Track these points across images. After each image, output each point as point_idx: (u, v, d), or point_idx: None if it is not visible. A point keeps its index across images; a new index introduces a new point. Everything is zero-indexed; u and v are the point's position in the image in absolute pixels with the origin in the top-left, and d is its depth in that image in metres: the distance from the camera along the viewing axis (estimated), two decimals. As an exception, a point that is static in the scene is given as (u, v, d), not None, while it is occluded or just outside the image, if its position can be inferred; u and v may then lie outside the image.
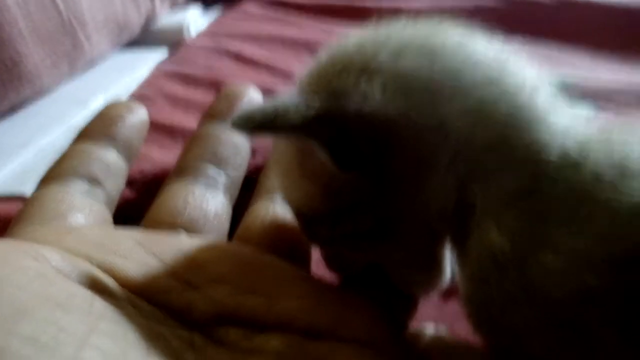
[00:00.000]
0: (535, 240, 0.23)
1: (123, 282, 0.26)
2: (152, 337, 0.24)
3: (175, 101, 0.56)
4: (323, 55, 0.28)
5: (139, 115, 0.40)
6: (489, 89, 0.25)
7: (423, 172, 0.26)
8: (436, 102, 0.25)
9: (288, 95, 0.27)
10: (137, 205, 0.41)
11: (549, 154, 0.24)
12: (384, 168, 0.26)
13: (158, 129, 0.51)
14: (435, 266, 0.30)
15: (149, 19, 0.69)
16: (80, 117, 0.54)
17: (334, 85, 0.26)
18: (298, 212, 0.29)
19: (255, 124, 0.25)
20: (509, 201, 0.24)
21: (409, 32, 0.27)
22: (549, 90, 0.26)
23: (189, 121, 0.52)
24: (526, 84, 0.26)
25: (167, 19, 0.73)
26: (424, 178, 0.26)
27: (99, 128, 0.37)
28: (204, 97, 0.57)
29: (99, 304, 0.23)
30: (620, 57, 0.65)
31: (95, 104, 0.56)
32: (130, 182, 0.42)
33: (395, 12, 0.80)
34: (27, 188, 0.38)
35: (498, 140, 0.25)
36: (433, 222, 0.27)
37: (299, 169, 0.28)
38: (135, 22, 0.67)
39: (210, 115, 0.42)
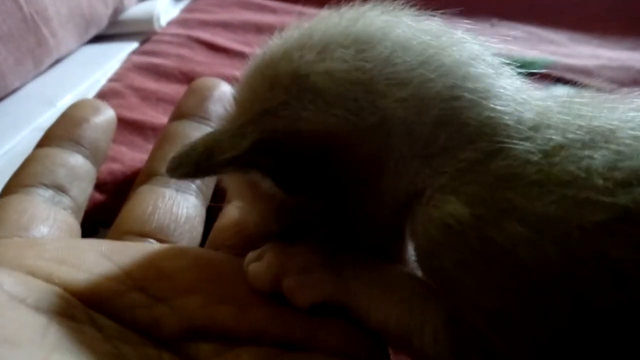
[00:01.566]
0: (497, 207, 0.23)
1: (86, 300, 0.25)
2: None
3: (145, 96, 0.55)
4: (251, 66, 0.27)
5: (106, 115, 0.38)
6: (425, 69, 0.24)
7: (373, 176, 0.25)
8: (372, 96, 0.24)
9: (220, 126, 0.26)
10: (108, 208, 0.40)
11: (504, 120, 0.24)
12: (332, 181, 0.25)
13: (128, 126, 0.49)
14: (397, 262, 0.29)
15: (117, 11, 0.67)
16: (48, 116, 0.52)
17: (265, 101, 0.25)
18: (256, 229, 0.29)
19: (192, 168, 0.24)
20: (468, 171, 0.24)
21: (332, 24, 0.26)
22: (490, 60, 0.26)
23: (159, 117, 0.51)
24: (463, 58, 0.25)
25: (136, 9, 0.70)
26: (375, 182, 0.25)
27: (64, 131, 0.36)
28: (175, 90, 0.55)
29: (53, 333, 0.22)
30: (601, 34, 0.64)
31: (64, 103, 0.54)
32: (100, 185, 0.41)
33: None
34: (-7, 195, 0.37)
35: (446, 117, 0.24)
36: (389, 221, 0.26)
37: (250, 195, 0.27)
38: (103, 15, 0.64)
39: (179, 112, 0.40)
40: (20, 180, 0.33)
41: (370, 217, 0.26)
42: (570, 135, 0.23)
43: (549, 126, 0.24)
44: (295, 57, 0.25)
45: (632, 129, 0.23)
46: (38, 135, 0.37)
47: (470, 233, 0.23)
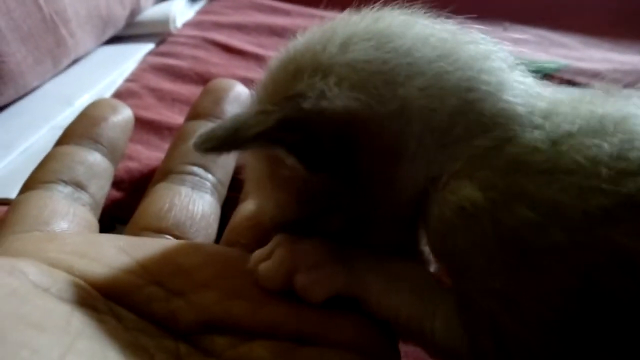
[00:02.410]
0: (510, 191, 0.24)
1: (106, 292, 0.26)
2: (134, 351, 0.23)
3: (161, 96, 0.55)
4: (274, 62, 0.28)
5: (123, 114, 0.39)
6: (443, 62, 0.25)
7: (392, 162, 0.26)
8: (393, 85, 0.25)
9: (245, 109, 0.26)
10: (125, 205, 0.41)
11: (517, 111, 0.25)
12: (353, 165, 0.26)
13: (145, 125, 0.50)
14: (413, 252, 0.29)
15: (134, 12, 0.68)
16: (66, 115, 0.53)
17: (290, 89, 0.26)
18: (272, 221, 0.29)
19: (218, 142, 0.25)
20: (483, 157, 0.25)
21: (353, 22, 0.27)
22: (504, 57, 0.27)
23: (175, 117, 0.52)
24: (479, 54, 0.26)
25: (152, 11, 0.71)
26: (393, 168, 0.26)
27: (83, 129, 0.37)
28: (190, 90, 0.56)
29: (77, 320, 0.23)
30: (613, 37, 0.65)
31: (81, 102, 0.55)
32: (118, 182, 0.42)
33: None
34: (13, 192, 0.38)
35: (463, 107, 0.25)
36: (405, 210, 0.27)
37: (270, 181, 0.28)
38: (120, 16, 0.65)
39: (195, 112, 0.41)
40: (40, 177, 0.34)
41: (388, 202, 0.27)
42: (579, 123, 0.24)
43: (558, 115, 0.25)
44: (318, 50, 0.26)
45: None
46: (56, 134, 0.38)
47: (483, 215, 0.24)
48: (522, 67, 0.28)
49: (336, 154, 0.25)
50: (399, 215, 0.27)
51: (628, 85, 0.56)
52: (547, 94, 0.27)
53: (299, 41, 0.28)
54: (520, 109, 0.25)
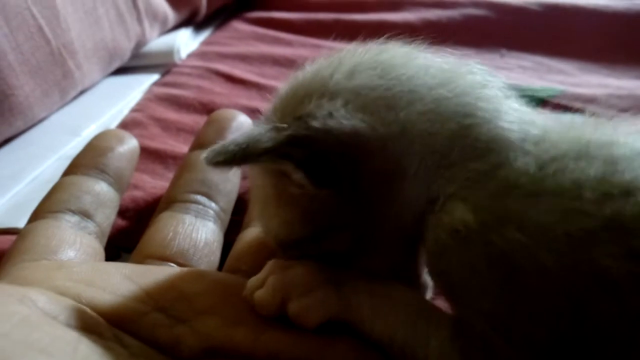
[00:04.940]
0: (499, 213, 0.25)
1: (112, 319, 0.26)
2: None
3: (166, 126, 0.57)
4: (283, 88, 0.29)
5: (129, 145, 0.40)
6: (442, 90, 0.27)
7: (393, 182, 0.27)
8: (395, 109, 0.26)
9: (256, 127, 0.28)
10: (130, 234, 0.41)
11: (511, 137, 0.26)
12: (357, 183, 0.27)
13: (150, 155, 0.51)
14: (412, 274, 0.30)
15: (139, 44, 0.69)
16: (73, 145, 0.54)
17: (299, 111, 0.27)
18: (277, 240, 0.30)
19: (229, 156, 0.26)
20: (476, 181, 0.26)
21: (359, 53, 0.29)
22: (500, 86, 0.28)
23: (180, 146, 0.53)
24: (476, 83, 0.28)
25: (157, 42, 0.73)
26: (394, 188, 0.27)
27: (89, 159, 0.38)
28: (194, 120, 0.57)
29: (84, 347, 0.24)
30: (610, 62, 0.65)
31: (88, 132, 0.56)
32: (123, 211, 0.43)
33: (382, 26, 0.81)
34: (22, 221, 0.39)
35: (460, 132, 0.26)
36: (405, 231, 0.28)
37: (277, 199, 0.29)
38: (126, 48, 0.67)
39: (199, 142, 0.42)
40: (48, 207, 0.35)
41: (389, 222, 0.28)
42: (564, 148, 0.25)
43: (547, 141, 0.26)
44: (326, 76, 0.28)
45: (626, 145, 0.25)
46: (63, 164, 0.39)
47: (474, 237, 0.25)
48: (517, 95, 0.29)
49: (342, 170, 0.26)
50: (399, 236, 0.28)
51: (624, 110, 0.57)
52: (539, 121, 0.28)
53: (308, 69, 0.29)
54: (514, 136, 0.26)
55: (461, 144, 0.26)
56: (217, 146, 0.26)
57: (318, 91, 0.27)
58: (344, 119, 0.26)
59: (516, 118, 0.27)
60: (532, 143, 0.26)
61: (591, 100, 0.58)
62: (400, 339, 0.27)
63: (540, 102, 0.58)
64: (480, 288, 0.25)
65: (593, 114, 0.29)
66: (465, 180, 0.26)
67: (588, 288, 0.23)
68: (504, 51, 0.68)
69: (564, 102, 0.57)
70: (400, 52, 0.29)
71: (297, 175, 0.26)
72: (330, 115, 0.26)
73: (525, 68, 0.65)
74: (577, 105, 0.57)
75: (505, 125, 0.27)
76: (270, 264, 0.29)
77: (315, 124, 0.26)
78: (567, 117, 0.29)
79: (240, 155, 0.26)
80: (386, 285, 0.28)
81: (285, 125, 0.26)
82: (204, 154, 0.26)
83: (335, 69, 0.28)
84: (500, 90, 0.28)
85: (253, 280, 0.29)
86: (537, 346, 0.24)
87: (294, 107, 0.27)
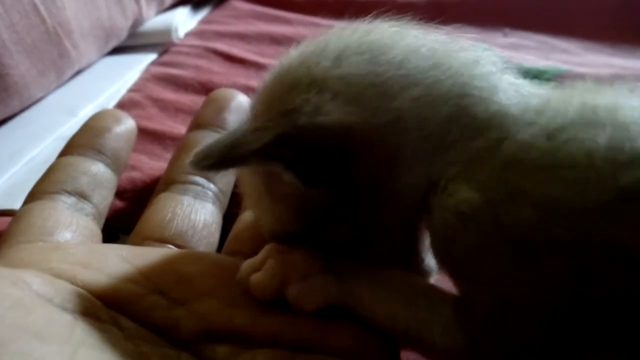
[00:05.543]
0: (508, 190, 0.24)
1: (108, 301, 0.26)
2: None
3: (164, 106, 0.56)
4: (269, 76, 0.28)
5: (126, 125, 0.39)
6: (435, 71, 0.26)
7: (391, 171, 0.26)
8: (387, 97, 0.25)
9: (242, 125, 0.27)
10: (128, 215, 0.41)
11: (511, 111, 0.26)
12: (352, 177, 0.26)
13: (148, 136, 0.50)
14: (415, 260, 0.30)
15: (136, 23, 0.68)
16: (70, 126, 0.53)
17: (285, 104, 0.26)
18: (273, 235, 0.29)
19: (216, 160, 0.25)
20: (479, 159, 0.25)
21: (346, 35, 0.27)
22: (494, 60, 0.28)
23: (178, 127, 0.52)
24: (470, 60, 0.27)
25: (154, 21, 0.72)
26: (393, 177, 0.26)
27: (86, 140, 0.37)
28: (193, 100, 0.57)
29: (80, 330, 0.23)
30: (614, 42, 0.65)
31: (85, 112, 0.55)
32: (121, 192, 0.42)
33: (383, 4, 0.79)
34: (18, 202, 0.38)
35: (457, 113, 0.26)
36: (407, 217, 0.27)
37: (268, 195, 0.28)
38: (122, 27, 0.66)
39: (197, 122, 0.41)
40: (44, 188, 0.34)
41: (390, 211, 0.27)
42: (571, 116, 0.24)
43: (551, 110, 0.25)
44: (312, 64, 0.26)
45: (634, 109, 0.24)
46: (60, 144, 0.38)
47: (482, 217, 0.24)
48: (513, 70, 0.28)
49: (334, 167, 0.25)
50: (401, 223, 0.28)
51: (629, 90, 0.57)
52: (539, 92, 0.27)
53: (293, 54, 0.28)
54: (514, 109, 0.26)
55: (459, 124, 0.26)
56: (202, 148, 0.25)
57: (304, 81, 0.26)
58: (333, 114, 0.25)
59: (514, 92, 0.26)
60: (535, 113, 0.25)
61: (595, 80, 0.57)
62: (402, 322, 0.26)
63: (545, 82, 0.57)
64: (491, 268, 0.24)
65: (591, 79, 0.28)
66: (468, 160, 0.25)
67: (603, 263, 0.22)
68: (507, 30, 0.67)
69: (568, 82, 0.57)
70: (388, 33, 0.28)
71: (288, 176, 0.25)
72: (318, 110, 0.25)
73: (528, 47, 0.64)
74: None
75: (504, 99, 0.26)
76: (267, 248, 0.29)
77: (303, 120, 0.25)
78: (566, 85, 0.28)
79: (227, 159, 0.25)
80: (387, 270, 0.28)
81: (271, 124, 0.25)
82: (189, 158, 0.25)
83: (321, 54, 0.27)
84: (494, 64, 0.27)
85: (248, 263, 0.28)
86: (547, 324, 0.23)
87: (281, 99, 0.26)
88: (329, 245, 0.28)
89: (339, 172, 0.25)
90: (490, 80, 0.26)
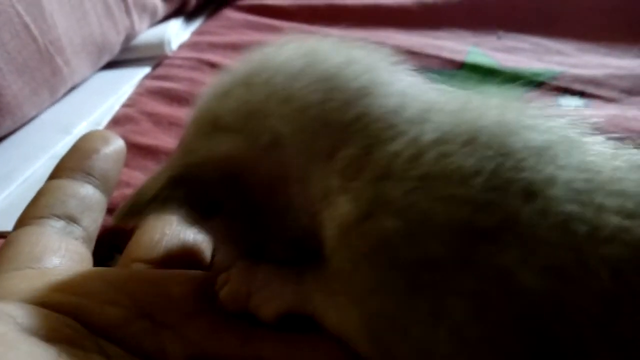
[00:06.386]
0: (376, 201, 0.23)
1: (95, 328, 0.26)
2: None
3: (158, 120, 0.56)
4: (192, 114, 0.30)
5: (115, 145, 0.39)
6: (299, 82, 0.26)
7: (281, 187, 0.26)
8: (262, 119, 0.26)
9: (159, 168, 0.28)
10: (122, 234, 0.41)
11: (377, 115, 0.25)
12: (246, 201, 0.26)
13: (141, 151, 0.50)
14: None
15: (129, 37, 0.68)
16: (64, 144, 0.53)
17: (186, 146, 0.28)
18: (224, 261, 0.31)
19: (127, 211, 0.27)
20: (351, 168, 0.24)
21: (235, 70, 0.29)
22: (377, 60, 0.27)
23: (172, 142, 0.52)
24: (338, 62, 0.27)
25: (147, 35, 0.72)
26: (290, 193, 0.26)
27: (74, 162, 0.37)
28: (187, 113, 0.56)
29: None
30: (609, 42, 0.64)
31: (79, 130, 0.55)
32: (113, 209, 0.42)
33: (377, 10, 0.79)
34: (12, 224, 0.38)
35: (321, 120, 0.25)
36: (307, 232, 0.26)
37: (199, 226, 0.30)
38: (115, 42, 0.66)
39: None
40: (33, 212, 0.34)
41: (296, 226, 0.27)
42: (452, 131, 0.24)
43: (430, 121, 0.24)
44: (209, 105, 0.28)
45: (533, 138, 0.23)
46: (55, 163, 0.38)
47: (355, 229, 0.23)
48: (406, 67, 0.28)
49: (225, 196, 0.26)
50: (309, 235, 0.27)
51: (624, 89, 0.56)
52: (427, 97, 0.26)
53: (205, 95, 0.29)
54: (382, 113, 0.25)
55: (327, 132, 0.25)
56: (125, 202, 0.27)
57: (206, 119, 0.28)
58: (207, 147, 0.26)
59: (391, 93, 0.26)
60: (410, 122, 0.24)
61: (591, 80, 0.57)
62: (334, 327, 0.26)
63: (539, 84, 0.57)
64: (367, 285, 0.23)
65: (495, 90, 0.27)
66: (344, 168, 0.25)
67: (491, 289, 0.21)
68: (501, 33, 0.67)
69: (562, 84, 0.56)
70: (260, 56, 0.28)
71: (183, 213, 0.27)
72: (196, 147, 0.27)
73: (523, 50, 0.64)
74: (577, 86, 0.56)
75: (370, 103, 0.25)
76: (237, 263, 0.29)
77: (185, 160, 0.26)
78: (466, 95, 0.27)
79: (134, 208, 0.26)
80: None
81: (167, 168, 0.27)
82: (114, 214, 0.27)
83: (218, 91, 0.28)
84: (367, 65, 0.27)
85: (221, 277, 0.29)
86: (442, 355, 0.22)
87: (184, 142, 0.29)
88: (281, 262, 0.28)
89: (232, 197, 0.26)
90: (361, 81, 0.26)
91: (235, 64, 0.29)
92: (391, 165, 0.23)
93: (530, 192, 0.22)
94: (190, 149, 0.27)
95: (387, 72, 0.27)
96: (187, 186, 0.26)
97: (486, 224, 0.21)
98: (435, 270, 0.22)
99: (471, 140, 0.23)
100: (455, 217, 0.22)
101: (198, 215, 0.27)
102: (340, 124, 0.25)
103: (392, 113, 0.25)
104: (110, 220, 0.41)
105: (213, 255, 0.36)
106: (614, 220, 0.21)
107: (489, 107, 0.25)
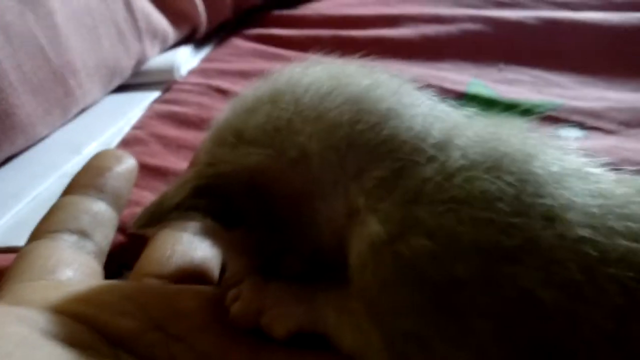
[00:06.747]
0: (406, 222, 0.24)
1: (109, 338, 0.27)
2: None
3: (167, 143, 0.57)
4: (208, 130, 0.31)
5: (127, 164, 0.40)
6: (328, 101, 0.27)
7: (307, 204, 0.27)
8: (290, 135, 0.27)
9: (179, 178, 0.29)
10: (131, 251, 0.41)
11: (405, 137, 0.26)
12: (270, 214, 0.27)
13: (150, 172, 0.51)
14: None
15: (140, 62, 0.70)
16: (74, 163, 0.54)
17: (209, 157, 0.28)
18: (238, 273, 0.31)
19: (148, 218, 0.27)
20: (381, 189, 0.25)
21: (258, 88, 0.30)
22: (400, 84, 0.28)
23: (181, 163, 0.53)
24: (365, 85, 0.28)
25: (157, 60, 0.73)
26: (314, 208, 0.27)
27: (87, 179, 0.38)
28: (195, 137, 0.58)
29: None
30: (608, 75, 0.66)
31: (89, 150, 0.56)
32: (123, 228, 0.43)
33: (380, 42, 0.81)
34: (23, 240, 0.39)
35: (351, 140, 0.26)
36: (334, 243, 0.27)
37: (213, 238, 0.31)
38: (126, 66, 0.67)
39: (198, 159, 0.42)
40: (47, 227, 0.35)
41: (319, 242, 0.27)
42: (476, 157, 0.25)
43: (456, 147, 0.25)
44: (231, 119, 0.29)
45: (556, 165, 0.25)
46: (64, 182, 0.39)
47: (385, 250, 0.24)
48: (427, 92, 0.29)
49: (250, 207, 0.27)
50: (332, 249, 0.27)
51: (623, 122, 0.57)
52: (450, 120, 0.27)
53: (226, 110, 0.30)
54: (410, 135, 0.26)
55: (356, 153, 0.26)
56: (143, 209, 0.27)
57: (226, 134, 0.28)
58: (235, 159, 0.27)
59: (416, 116, 0.27)
60: (434, 145, 0.26)
61: (590, 113, 0.58)
62: (359, 351, 0.26)
63: (540, 115, 0.58)
64: (396, 305, 0.24)
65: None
66: (372, 188, 0.26)
67: (513, 310, 0.22)
68: (501, 65, 0.69)
69: (562, 115, 0.58)
70: (285, 77, 0.29)
71: (207, 222, 0.27)
72: (222, 159, 0.27)
73: (523, 82, 0.66)
74: (576, 118, 0.57)
75: (401, 125, 0.26)
76: (247, 280, 0.30)
77: (212, 171, 0.27)
78: (487, 120, 0.28)
79: (156, 216, 0.27)
80: (348, 294, 0.27)
81: (191, 177, 0.27)
82: (133, 221, 0.27)
83: (240, 109, 0.29)
84: (392, 89, 0.28)
85: (231, 292, 0.30)
86: None
87: (206, 154, 0.29)
88: (294, 277, 0.28)
89: (256, 210, 0.27)
90: (386, 104, 0.27)
91: (257, 84, 0.30)
92: (421, 190, 0.24)
93: (550, 216, 0.23)
94: (215, 160, 0.28)
95: (411, 95, 0.28)
96: (211, 196, 0.26)
97: (509, 246, 0.22)
98: (462, 290, 0.23)
99: (494, 166, 0.24)
100: (481, 239, 0.23)
101: (220, 226, 0.27)
102: (368, 145, 0.26)
103: (419, 136, 0.26)
104: (120, 238, 0.43)
105: (222, 272, 0.36)
106: (623, 242, 0.23)
107: (510, 134, 0.26)
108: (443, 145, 0.26)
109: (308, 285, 0.28)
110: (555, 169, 0.25)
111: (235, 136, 0.28)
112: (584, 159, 0.26)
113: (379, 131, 0.26)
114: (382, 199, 0.25)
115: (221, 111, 0.31)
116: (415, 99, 0.28)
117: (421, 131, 0.26)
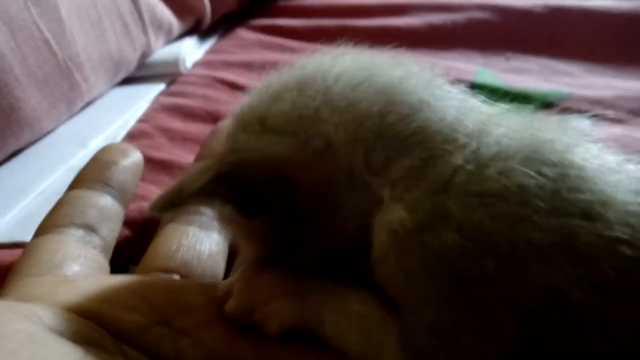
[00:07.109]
0: (436, 212, 0.23)
1: (116, 333, 0.27)
2: None
3: (172, 136, 0.57)
4: (232, 115, 0.30)
5: (133, 158, 0.40)
6: (358, 92, 0.27)
7: (330, 194, 0.26)
8: (316, 125, 0.26)
9: (193, 167, 0.29)
10: (137, 245, 0.41)
11: (437, 128, 0.25)
12: (291, 203, 0.27)
13: (156, 165, 0.51)
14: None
15: (145, 54, 0.70)
16: (80, 157, 0.54)
17: (231, 144, 0.28)
18: (253, 260, 0.30)
19: (167, 202, 0.26)
20: (409, 178, 0.25)
21: (282, 74, 0.29)
22: (430, 77, 0.28)
23: (186, 156, 0.53)
24: (396, 76, 0.27)
25: (162, 52, 0.73)
26: (337, 199, 0.26)
27: (94, 173, 0.38)
28: (200, 129, 0.58)
29: None
30: (616, 63, 0.65)
31: (95, 144, 0.56)
32: (130, 222, 0.43)
33: (387, 31, 0.80)
34: (30, 234, 0.39)
35: (380, 131, 0.26)
36: (355, 233, 0.27)
37: (230, 224, 0.30)
38: (131, 58, 0.67)
39: (204, 152, 0.42)
40: (53, 221, 0.35)
41: (340, 232, 0.27)
42: (512, 147, 0.24)
43: (490, 135, 0.25)
44: (256, 105, 0.28)
45: (594, 161, 0.24)
46: (71, 175, 0.39)
47: (411, 239, 0.23)
48: (457, 84, 0.29)
49: (271, 197, 0.27)
50: (352, 240, 0.27)
51: (631, 111, 0.57)
52: (481, 111, 0.27)
53: (247, 97, 0.30)
54: (442, 127, 0.26)
55: (385, 143, 0.26)
56: (161, 193, 0.27)
57: (250, 120, 0.28)
58: (259, 147, 0.26)
59: (448, 108, 0.27)
60: (467, 135, 0.25)
61: (598, 102, 0.57)
62: (355, 349, 0.26)
63: (548, 105, 0.58)
64: (421, 295, 0.23)
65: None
66: (399, 178, 0.25)
67: (542, 307, 0.22)
68: (509, 54, 0.68)
69: (570, 104, 0.57)
70: (314, 65, 0.29)
71: (227, 209, 0.27)
72: (246, 146, 0.27)
73: (531, 71, 0.65)
74: (585, 107, 0.57)
75: (430, 116, 0.26)
76: (240, 271, 0.30)
77: (234, 158, 0.26)
78: (526, 114, 0.28)
79: (175, 200, 0.26)
80: (350, 293, 0.27)
81: (213, 163, 0.27)
82: (150, 204, 0.27)
83: (263, 96, 0.29)
84: (423, 80, 0.28)
85: (225, 284, 0.30)
86: None
87: (228, 140, 0.29)
88: (306, 268, 0.28)
89: (277, 199, 0.27)
90: (417, 95, 0.27)
91: (282, 72, 0.30)
92: (451, 179, 0.24)
93: (589, 214, 0.22)
94: (238, 146, 0.27)
95: (442, 88, 0.28)
96: (233, 183, 0.26)
97: (544, 244, 0.22)
98: (492, 285, 0.22)
99: (532, 156, 0.24)
100: (515, 236, 0.22)
101: (239, 213, 0.27)
102: (398, 137, 0.26)
103: (451, 126, 0.26)
104: (126, 232, 0.43)
105: (228, 266, 0.36)
106: None
107: (547, 127, 0.26)
108: (476, 134, 0.25)
109: (302, 279, 0.28)
110: (595, 162, 0.24)
111: (259, 123, 0.27)
112: (622, 155, 0.26)
113: (410, 122, 0.26)
114: (409, 189, 0.25)
115: (243, 98, 0.30)
116: (447, 91, 0.28)
117: (454, 122, 0.26)
